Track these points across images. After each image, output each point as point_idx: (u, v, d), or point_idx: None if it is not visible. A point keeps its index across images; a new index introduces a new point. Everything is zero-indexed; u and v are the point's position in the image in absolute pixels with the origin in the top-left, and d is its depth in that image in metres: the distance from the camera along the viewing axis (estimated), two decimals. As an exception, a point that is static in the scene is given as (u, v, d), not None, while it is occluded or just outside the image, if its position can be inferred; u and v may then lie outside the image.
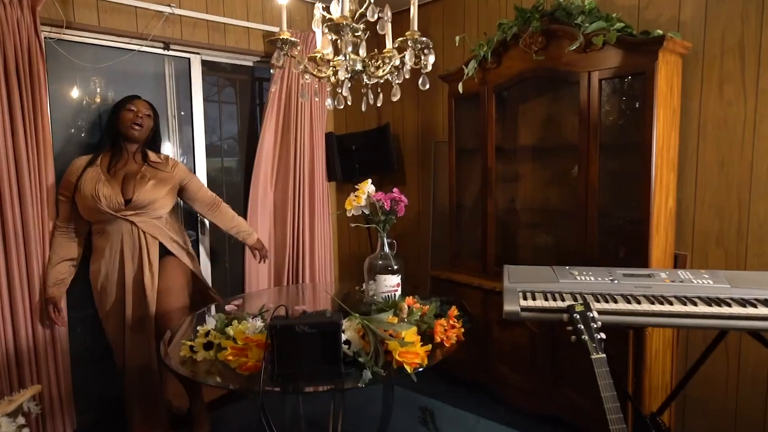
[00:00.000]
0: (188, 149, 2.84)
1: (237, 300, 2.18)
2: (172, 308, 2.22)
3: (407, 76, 1.64)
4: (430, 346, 1.47)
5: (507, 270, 1.84)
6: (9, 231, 2.09)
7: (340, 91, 1.61)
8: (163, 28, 2.56)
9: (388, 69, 1.58)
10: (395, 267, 1.93)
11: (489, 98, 2.54)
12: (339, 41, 1.42)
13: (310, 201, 3.17)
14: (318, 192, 3.19)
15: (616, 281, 1.72)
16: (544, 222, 2.69)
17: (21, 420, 1.30)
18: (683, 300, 1.58)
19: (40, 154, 2.16)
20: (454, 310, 1.69)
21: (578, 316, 1.46)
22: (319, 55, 1.57)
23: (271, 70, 3.00)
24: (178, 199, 2.45)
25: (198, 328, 1.61)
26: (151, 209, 2.20)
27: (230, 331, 1.58)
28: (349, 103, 1.62)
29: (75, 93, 2.44)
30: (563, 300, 1.59)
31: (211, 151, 2.97)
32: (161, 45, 2.61)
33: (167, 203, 2.29)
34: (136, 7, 2.46)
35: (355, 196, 1.94)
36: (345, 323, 1.50)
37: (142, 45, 2.52)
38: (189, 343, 1.58)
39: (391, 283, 1.91)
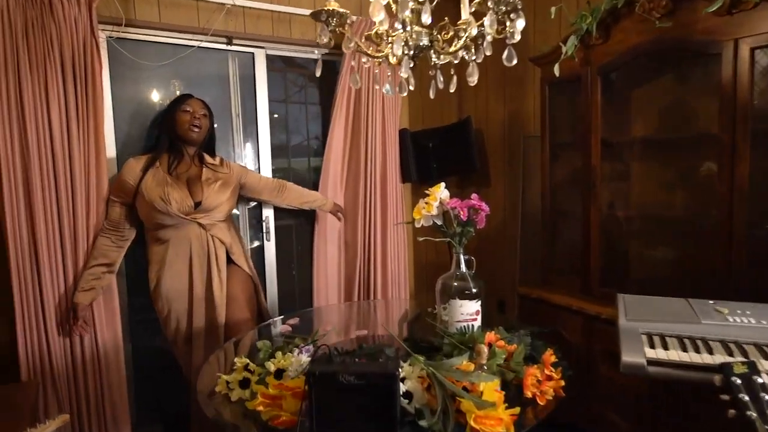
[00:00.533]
0: (252, 149, 2.67)
1: (293, 319, 1.94)
2: (239, 319, 2.06)
3: (488, 53, 1.27)
4: (518, 409, 1.09)
5: (623, 301, 1.40)
6: (65, 236, 2.03)
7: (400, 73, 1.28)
8: (225, 21, 2.40)
9: (461, 43, 1.22)
10: (474, 291, 1.57)
11: (593, 81, 2.08)
12: (395, 6, 1.09)
13: (383, 205, 2.88)
14: (391, 195, 2.90)
15: (788, 325, 1.22)
16: (664, 233, 2.16)
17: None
18: None
19: (91, 156, 2.07)
20: (550, 355, 1.29)
21: (740, 381, 1.02)
22: (375, 30, 1.25)
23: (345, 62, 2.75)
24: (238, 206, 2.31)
25: (236, 359, 1.37)
26: (217, 212, 2.08)
27: (271, 365, 1.32)
28: (411, 87, 1.28)
29: (136, 93, 2.35)
30: (711, 352, 1.14)
31: (277, 151, 2.78)
32: (224, 40, 2.45)
33: (231, 205, 2.18)
34: (197, 0, 2.32)
35: (425, 203, 1.61)
36: (406, 368, 1.18)
37: (203, 41, 2.38)
38: (225, 377, 1.35)
39: (468, 311, 1.55)
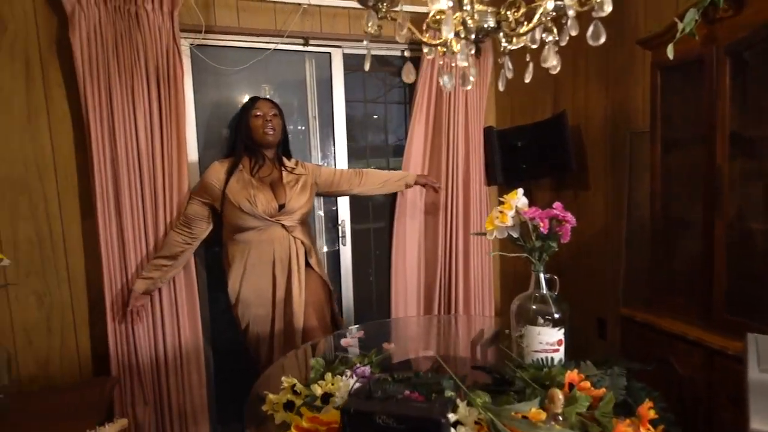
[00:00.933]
0: (329, 151, 2.61)
1: (359, 332, 1.82)
2: (314, 325, 2.02)
3: (573, 32, 1.04)
4: (599, 478, 0.86)
5: (754, 343, 1.08)
6: (149, 234, 2.11)
7: (460, 63, 1.09)
8: (301, 22, 2.37)
9: (536, 20, 1.00)
10: (557, 316, 1.33)
11: (719, 63, 1.70)
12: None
13: (465, 210, 2.68)
14: (474, 199, 2.68)
15: None
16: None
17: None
18: None
19: (174, 159, 2.14)
20: (648, 408, 1.02)
21: None
22: (432, 14, 1.08)
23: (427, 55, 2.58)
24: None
25: (283, 378, 1.28)
26: (298, 214, 2.06)
27: (318, 388, 1.21)
28: (472, 78, 1.09)
29: (218, 97, 2.40)
30: None
31: (356, 152, 2.70)
32: (300, 41, 2.42)
33: (310, 207, 2.15)
34: (275, 2, 2.31)
35: (499, 212, 1.40)
36: (461, 410, 0.99)
37: (280, 43, 2.36)
38: (273, 397, 1.26)
39: (548, 340, 1.32)
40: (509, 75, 1.12)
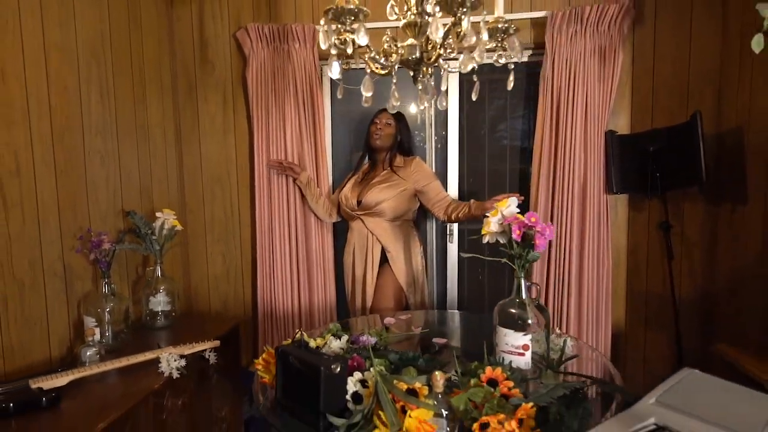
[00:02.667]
0: (441, 157, 2.86)
1: (407, 314, 2.08)
2: (380, 308, 2.37)
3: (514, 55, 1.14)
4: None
5: (683, 382, 0.99)
6: (292, 223, 2.77)
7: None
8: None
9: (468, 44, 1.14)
10: (528, 321, 1.39)
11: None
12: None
13: (581, 221, 2.55)
14: (589, 209, 2.54)
15: None
16: None
17: (182, 362, 1.76)
18: None
19: (314, 165, 2.73)
20: (528, 408, 1.05)
21: None
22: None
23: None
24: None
25: (298, 329, 1.68)
26: (378, 210, 2.39)
27: (312, 342, 1.57)
28: (395, 102, 1.27)
29: (350, 111, 2.92)
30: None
31: (472, 156, 2.88)
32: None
33: (395, 205, 2.40)
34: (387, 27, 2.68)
35: (485, 217, 1.50)
36: (369, 373, 1.23)
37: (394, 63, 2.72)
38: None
39: (513, 343, 1.39)
40: (431, 96, 1.26)
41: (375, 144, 2.48)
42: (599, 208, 2.56)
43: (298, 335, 1.41)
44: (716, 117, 2.39)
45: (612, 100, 2.51)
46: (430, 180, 2.46)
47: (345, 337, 1.60)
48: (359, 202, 2.43)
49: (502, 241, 1.48)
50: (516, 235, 1.37)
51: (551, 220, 2.60)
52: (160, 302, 2.25)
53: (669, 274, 2.42)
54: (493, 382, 1.21)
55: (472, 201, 2.32)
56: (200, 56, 2.86)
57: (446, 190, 2.63)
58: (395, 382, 1.15)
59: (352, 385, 1.20)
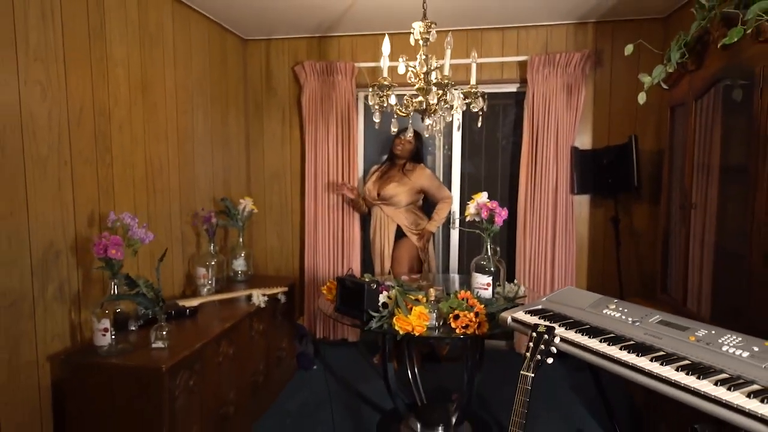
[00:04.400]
0: (447, 171, 3.72)
1: (416, 277, 2.95)
2: (398, 271, 3.24)
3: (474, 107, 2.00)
4: (425, 323, 1.88)
5: (563, 291, 1.84)
6: (332, 218, 3.66)
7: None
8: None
9: (454, 105, 2.01)
10: (491, 269, 2.24)
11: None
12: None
13: (554, 215, 3.38)
14: (561, 206, 3.36)
15: (638, 324, 1.48)
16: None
17: (264, 299, 2.66)
18: (675, 358, 1.27)
19: (348, 172, 3.62)
20: (469, 296, 1.93)
21: (536, 335, 1.52)
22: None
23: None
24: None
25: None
26: (393, 201, 3.27)
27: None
28: (410, 133, 2.14)
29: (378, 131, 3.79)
30: (552, 323, 1.59)
31: (474, 163, 3.73)
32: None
33: (405, 198, 3.26)
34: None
35: (467, 204, 2.35)
36: (391, 293, 2.09)
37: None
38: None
39: (480, 282, 2.24)
40: (433, 129, 2.13)
41: (397, 153, 3.34)
42: (566, 205, 3.38)
43: (349, 272, 2.28)
44: (656, 138, 3.21)
45: (577, 123, 3.33)
46: (430, 183, 3.32)
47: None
48: (379, 194, 3.29)
49: (477, 220, 2.33)
50: (484, 215, 2.22)
51: (532, 213, 3.43)
52: (240, 264, 3.15)
53: (617, 256, 3.24)
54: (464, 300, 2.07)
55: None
56: (266, 85, 3.77)
57: (450, 189, 3.52)
58: (407, 295, 2.02)
59: (381, 298, 2.07)
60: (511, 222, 3.48)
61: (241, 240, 3.18)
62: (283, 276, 3.86)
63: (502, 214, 2.21)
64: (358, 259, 3.70)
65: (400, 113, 2.22)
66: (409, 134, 3.33)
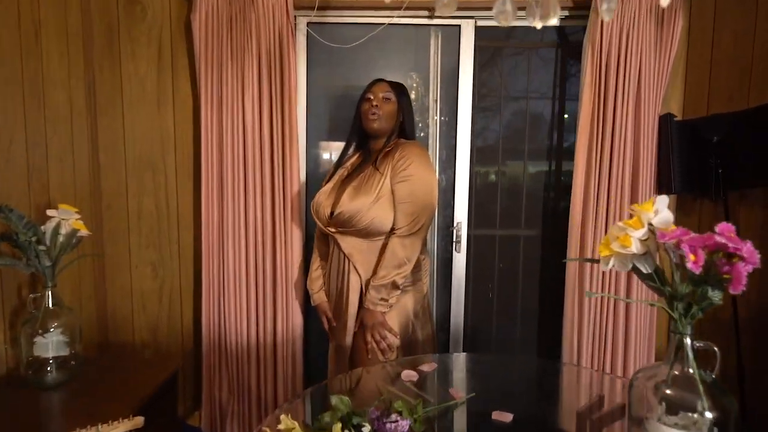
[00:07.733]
0: (450, 145, 2.24)
1: (430, 365, 1.44)
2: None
3: None
4: None
5: None
6: (249, 221, 2.05)
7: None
8: (426, -12, 2.05)
9: None
10: (707, 414, 0.79)
11: None
12: None
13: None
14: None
15: None
16: None
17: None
18: None
19: (283, 143, 2.04)
20: None
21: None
22: None
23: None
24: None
25: (282, 416, 0.99)
26: (353, 225, 1.68)
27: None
28: None
29: (332, 79, 2.24)
30: None
31: (483, 153, 2.29)
32: (425, 13, 2.11)
33: (382, 216, 1.73)
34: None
35: (620, 231, 0.89)
36: None
37: (401, 16, 2.08)
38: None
39: (683, 451, 0.79)
40: None
41: (370, 126, 1.75)
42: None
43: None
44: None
45: (668, 74, 2.00)
46: (401, 181, 1.73)
47: (367, 429, 0.94)
48: (332, 213, 1.69)
49: (644, 271, 0.88)
50: (693, 262, 0.77)
51: (594, 235, 2.03)
52: (49, 345, 1.48)
53: (735, 328, 1.89)
54: None
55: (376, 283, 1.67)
56: (125, -5, 2.08)
57: (453, 194, 2.09)
58: None
59: None
60: (551, 247, 2.08)
61: (49, 297, 1.50)
62: (161, 346, 2.20)
63: (752, 259, 0.77)
64: (299, 310, 2.12)
65: None
66: (387, 91, 1.83)
